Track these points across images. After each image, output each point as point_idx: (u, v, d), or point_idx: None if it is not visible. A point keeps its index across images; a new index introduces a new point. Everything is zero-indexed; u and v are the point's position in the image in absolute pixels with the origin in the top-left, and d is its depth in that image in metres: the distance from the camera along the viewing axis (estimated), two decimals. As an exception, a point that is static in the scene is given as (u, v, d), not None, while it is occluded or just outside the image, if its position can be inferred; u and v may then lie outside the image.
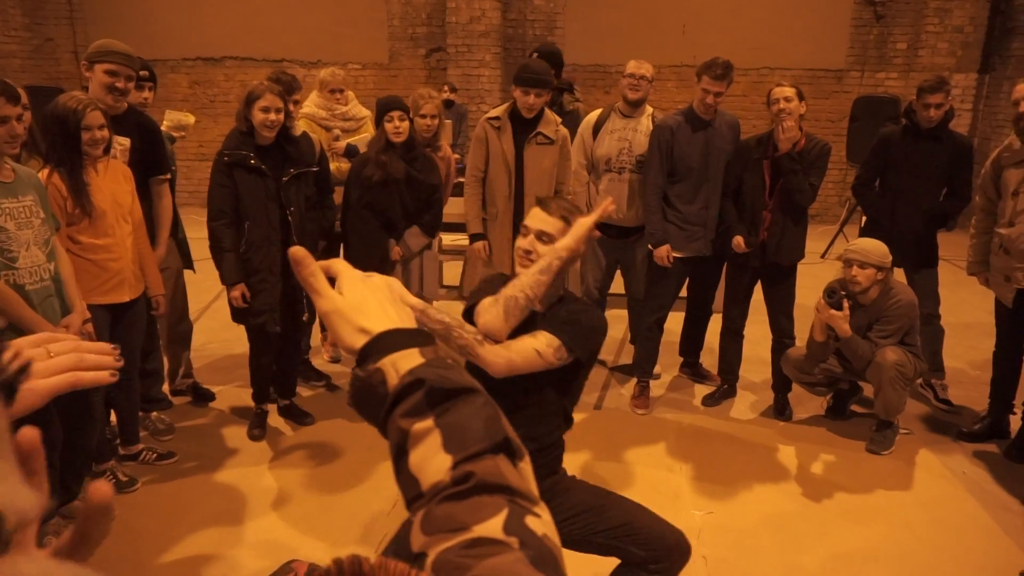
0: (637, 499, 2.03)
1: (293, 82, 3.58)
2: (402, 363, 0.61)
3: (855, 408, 3.87)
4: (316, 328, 4.27)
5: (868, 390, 4.00)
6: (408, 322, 0.67)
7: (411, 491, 0.58)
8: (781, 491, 3.12)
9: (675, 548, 1.91)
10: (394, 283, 0.72)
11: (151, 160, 3.19)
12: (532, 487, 0.58)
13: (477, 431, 0.58)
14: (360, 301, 0.66)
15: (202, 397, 3.81)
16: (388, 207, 3.51)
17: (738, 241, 3.64)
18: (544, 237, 1.91)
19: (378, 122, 3.50)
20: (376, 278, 0.71)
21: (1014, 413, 3.54)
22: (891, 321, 3.34)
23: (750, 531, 2.83)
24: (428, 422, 0.58)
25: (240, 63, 9.09)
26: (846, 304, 3.27)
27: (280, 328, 3.30)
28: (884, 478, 3.24)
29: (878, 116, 6.37)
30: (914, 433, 3.62)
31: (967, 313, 5.21)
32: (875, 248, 3.33)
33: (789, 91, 3.41)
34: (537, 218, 1.93)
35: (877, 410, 3.45)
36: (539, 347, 1.81)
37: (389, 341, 0.63)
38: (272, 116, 3.08)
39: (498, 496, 0.55)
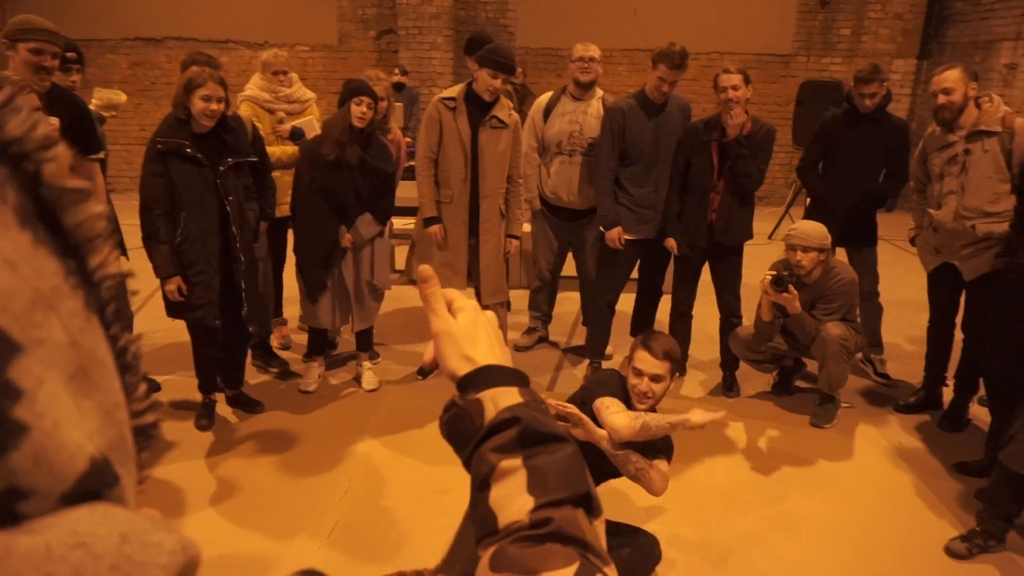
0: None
1: (211, 62, 3.47)
2: (501, 399, 0.62)
3: (799, 384, 3.99)
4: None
5: (812, 366, 4.12)
6: (508, 361, 0.68)
7: (486, 526, 0.57)
8: (729, 464, 3.21)
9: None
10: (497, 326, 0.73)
11: (82, 140, 3.06)
12: (604, 546, 0.58)
13: (562, 479, 0.58)
14: (472, 330, 0.68)
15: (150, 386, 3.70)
16: (340, 192, 3.45)
17: (671, 243, 3.76)
18: (657, 379, 2.32)
19: (341, 102, 3.41)
20: (490, 315, 0.72)
21: (947, 385, 3.70)
22: (833, 299, 3.44)
23: (700, 504, 2.91)
24: (517, 460, 0.58)
25: (182, 43, 8.79)
26: (791, 288, 3.36)
27: (220, 322, 3.24)
28: (826, 449, 3.36)
29: (823, 100, 6.51)
30: (854, 406, 3.75)
31: (904, 290, 5.39)
32: (815, 231, 3.42)
33: (736, 79, 3.45)
34: (648, 363, 2.31)
35: (821, 384, 3.56)
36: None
37: (493, 375, 0.64)
38: (214, 106, 3.00)
39: (572, 548, 0.54)
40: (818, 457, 3.29)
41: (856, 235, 3.95)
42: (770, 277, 3.37)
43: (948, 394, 3.64)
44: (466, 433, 0.62)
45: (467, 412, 0.62)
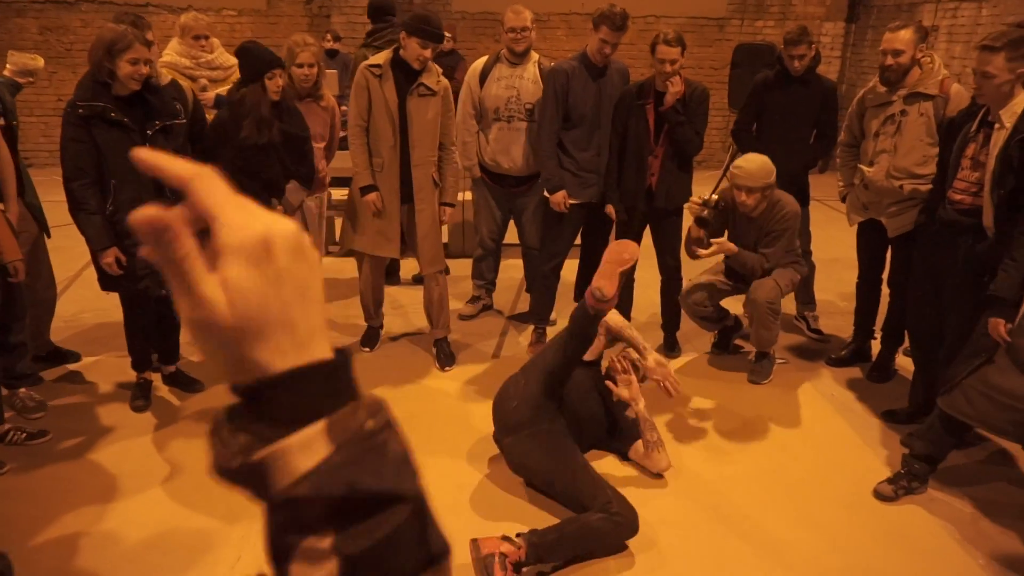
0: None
1: (138, 21, 3.29)
2: (300, 457, 0.40)
3: (738, 343, 4.10)
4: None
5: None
6: (322, 336, 0.43)
7: None
8: (672, 424, 3.29)
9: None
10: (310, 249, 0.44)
11: None
12: None
13: (384, 570, 0.42)
14: (258, 302, 0.40)
15: (64, 358, 3.61)
16: (266, 169, 3.32)
17: (609, 210, 3.79)
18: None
19: (251, 78, 3.23)
20: (287, 233, 0.42)
21: (875, 338, 3.86)
22: (779, 233, 3.52)
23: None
24: (326, 543, 0.41)
25: (98, 7, 8.29)
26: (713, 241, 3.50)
27: (165, 292, 3.11)
28: (763, 404, 3.48)
29: (756, 63, 6.59)
30: (789, 362, 3.89)
31: (835, 249, 5.58)
32: (760, 170, 3.42)
33: (674, 53, 3.42)
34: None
35: (753, 343, 3.68)
36: None
37: (288, 401, 0.41)
38: (142, 68, 2.85)
39: None
40: (756, 412, 3.40)
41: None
42: (696, 208, 3.53)
43: (877, 347, 3.80)
44: (257, 486, 0.41)
45: (247, 475, 0.41)
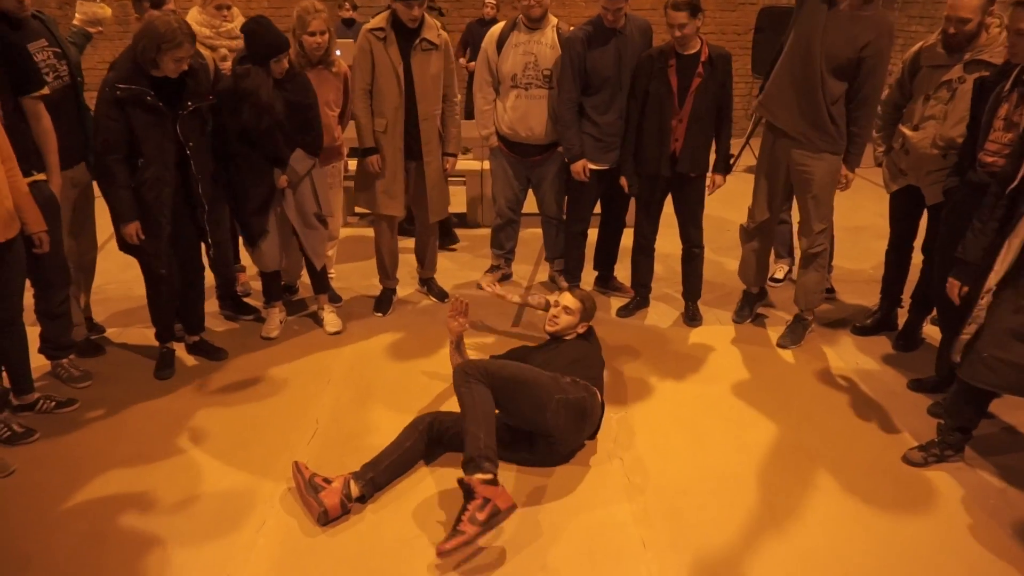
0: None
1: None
2: None
3: (760, 311, 4.05)
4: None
5: (774, 295, 4.20)
6: None
7: None
8: (692, 393, 3.26)
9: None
10: None
11: (15, 77, 2.77)
12: None
13: None
14: None
15: (96, 330, 3.69)
16: (270, 143, 3.33)
17: (623, 182, 3.76)
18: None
19: (256, 61, 3.22)
20: None
21: (901, 307, 3.79)
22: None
23: (663, 432, 2.96)
24: None
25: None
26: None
27: (166, 271, 3.19)
28: (786, 373, 3.44)
29: (781, 27, 6.42)
30: (814, 331, 3.83)
31: (860, 217, 5.48)
32: None
33: (682, 17, 3.33)
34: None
35: (797, 303, 3.72)
36: None
37: None
38: (184, 65, 2.93)
39: None
40: (778, 383, 3.37)
41: None
42: None
43: (903, 316, 3.73)
44: None
45: None
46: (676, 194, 3.80)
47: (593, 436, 2.85)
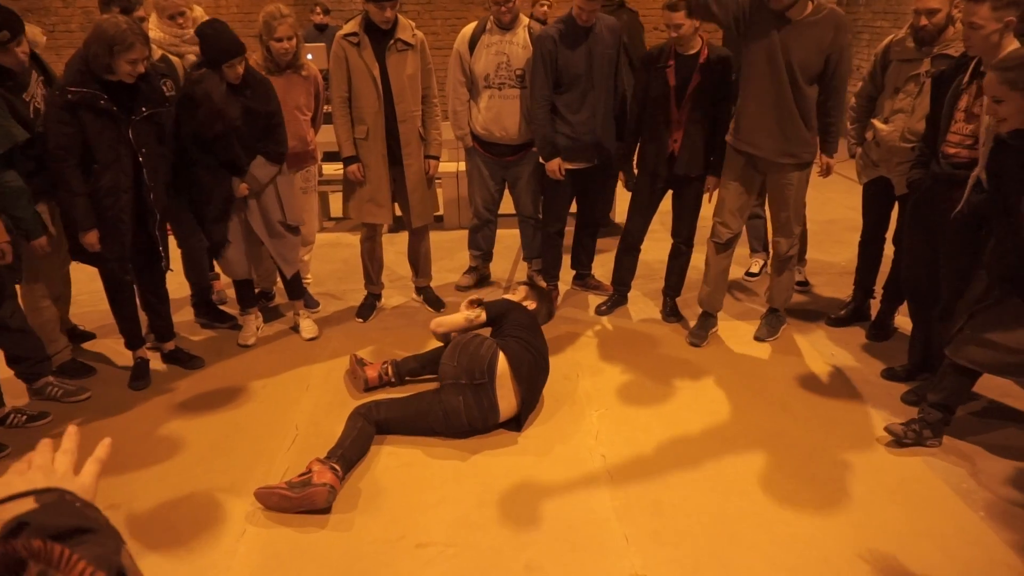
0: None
1: (129, 5, 3.21)
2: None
3: (737, 302, 4.09)
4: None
5: (750, 287, 4.25)
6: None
7: None
8: (670, 387, 3.29)
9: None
10: None
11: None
12: None
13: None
14: None
15: (82, 337, 3.69)
16: (225, 149, 3.27)
17: (620, 178, 3.83)
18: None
19: (209, 65, 3.15)
20: None
21: (874, 298, 3.85)
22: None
23: (643, 426, 2.98)
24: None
25: (80, -13, 8.15)
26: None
27: (129, 277, 3.15)
28: (763, 366, 3.48)
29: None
30: (788, 323, 3.88)
31: (832, 210, 5.57)
32: None
33: (679, 17, 3.33)
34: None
35: (768, 299, 3.75)
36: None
37: None
38: (140, 67, 2.85)
39: None
40: (756, 373, 3.41)
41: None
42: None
43: (876, 307, 3.79)
44: None
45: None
46: (677, 192, 3.79)
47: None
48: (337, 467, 2.53)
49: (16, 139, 2.77)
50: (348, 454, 2.62)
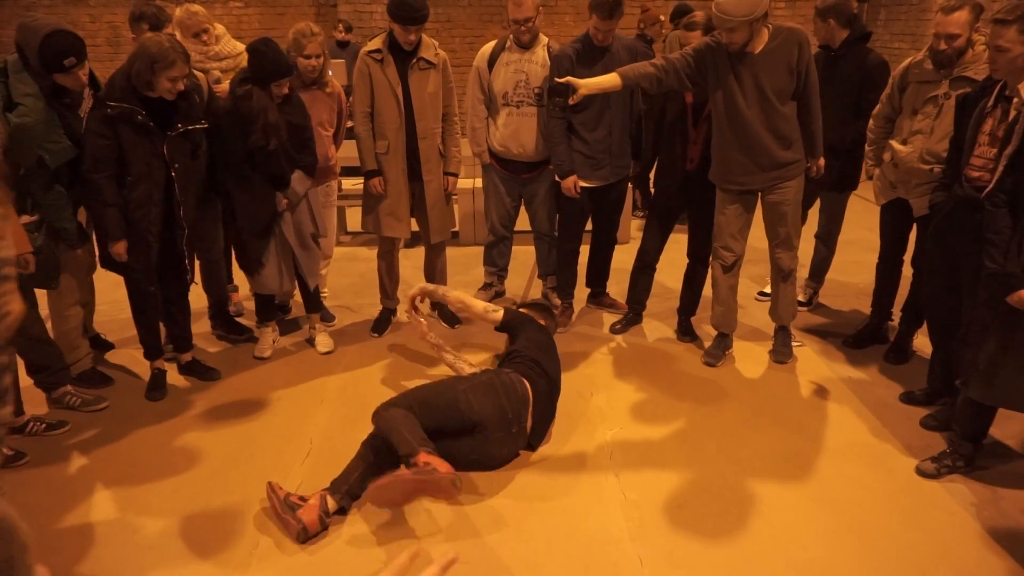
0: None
1: (160, 14, 3.28)
2: None
3: (749, 323, 4.06)
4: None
5: (762, 307, 4.21)
6: None
7: None
8: (686, 406, 3.27)
9: None
10: None
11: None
12: None
13: None
14: None
15: (103, 346, 3.73)
16: (273, 164, 3.34)
17: (638, 195, 3.85)
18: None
19: (259, 83, 3.22)
20: None
21: (892, 320, 3.82)
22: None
23: (657, 447, 2.96)
24: None
25: (107, 2, 8.32)
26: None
27: (153, 288, 3.19)
28: (779, 386, 3.45)
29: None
30: (805, 345, 3.85)
31: (850, 231, 5.52)
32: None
33: (693, 37, 3.39)
34: None
35: (774, 317, 3.71)
36: None
37: None
38: (180, 85, 2.94)
39: None
40: (771, 395, 3.38)
41: (838, 178, 3.89)
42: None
43: (894, 329, 3.75)
44: None
45: None
46: (693, 212, 3.79)
47: (546, 426, 2.97)
48: (331, 506, 2.49)
49: (70, 156, 2.90)
50: (354, 489, 2.56)
